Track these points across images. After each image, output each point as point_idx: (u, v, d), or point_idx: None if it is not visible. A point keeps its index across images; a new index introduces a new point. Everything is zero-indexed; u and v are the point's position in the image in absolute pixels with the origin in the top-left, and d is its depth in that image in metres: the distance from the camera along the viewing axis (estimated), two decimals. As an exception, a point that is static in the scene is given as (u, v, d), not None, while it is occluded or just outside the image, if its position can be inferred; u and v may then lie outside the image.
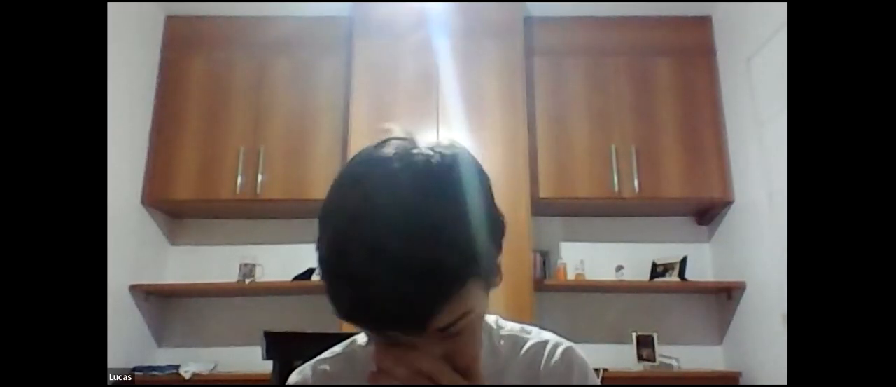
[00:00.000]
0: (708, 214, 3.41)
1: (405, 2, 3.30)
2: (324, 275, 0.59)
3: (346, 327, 0.85)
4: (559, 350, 0.79)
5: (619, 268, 3.25)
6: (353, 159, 0.63)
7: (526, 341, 0.80)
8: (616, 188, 3.18)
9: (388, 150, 0.60)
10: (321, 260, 0.59)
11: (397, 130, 0.63)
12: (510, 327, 0.82)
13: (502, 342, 0.80)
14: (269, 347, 1.05)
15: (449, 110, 3.13)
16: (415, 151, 0.60)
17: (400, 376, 0.59)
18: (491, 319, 0.82)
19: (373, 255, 0.54)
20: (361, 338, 0.82)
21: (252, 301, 3.38)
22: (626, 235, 3.46)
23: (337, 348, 0.83)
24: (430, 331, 0.57)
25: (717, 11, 3.42)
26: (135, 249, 3.10)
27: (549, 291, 3.29)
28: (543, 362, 0.78)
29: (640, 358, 3.11)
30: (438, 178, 0.58)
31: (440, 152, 0.60)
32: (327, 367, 0.81)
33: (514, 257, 2.80)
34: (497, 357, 0.78)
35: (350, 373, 0.79)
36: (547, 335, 0.82)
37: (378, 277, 0.54)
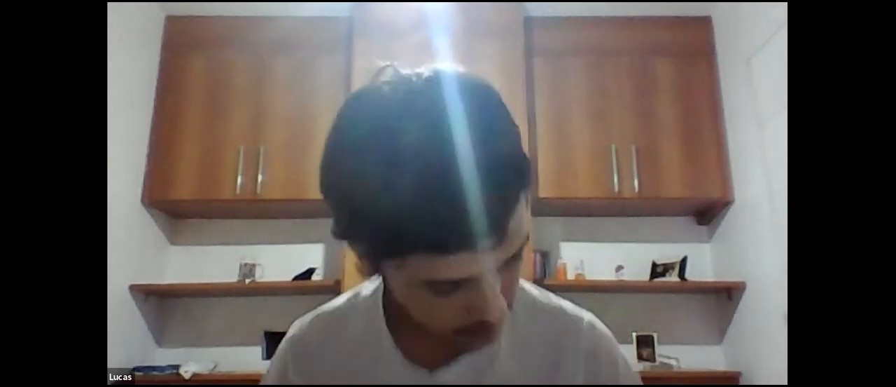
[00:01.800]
0: (708, 214, 3.41)
1: (405, 2, 3.30)
2: (373, 225, 0.52)
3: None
4: (584, 326, 0.76)
5: (619, 268, 3.25)
6: (353, 98, 0.57)
7: (542, 305, 0.78)
8: (616, 188, 3.18)
9: (388, 77, 0.57)
10: (367, 211, 0.51)
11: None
12: (528, 286, 0.79)
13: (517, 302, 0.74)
14: (269, 347, 1.05)
15: (449, 110, 3.13)
16: (418, 71, 0.56)
17: (500, 311, 0.57)
18: None
19: (437, 171, 0.49)
20: (365, 289, 0.79)
21: (252, 301, 3.38)
22: (626, 235, 3.46)
23: (340, 300, 0.81)
24: (496, 258, 0.55)
25: (717, 11, 3.42)
26: (135, 249, 3.10)
27: (549, 291, 3.29)
28: (567, 339, 0.75)
29: (640, 358, 3.11)
30: (478, 87, 0.56)
31: (450, 68, 0.57)
32: (327, 316, 0.79)
33: (514, 257, 2.80)
34: (512, 315, 0.73)
35: (349, 322, 0.77)
36: (565, 304, 0.79)
37: (454, 189, 0.49)
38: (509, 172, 0.52)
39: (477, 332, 0.60)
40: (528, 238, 0.59)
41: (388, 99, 0.54)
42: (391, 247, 0.53)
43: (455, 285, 0.55)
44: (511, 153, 0.53)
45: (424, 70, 0.56)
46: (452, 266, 0.53)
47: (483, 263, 0.54)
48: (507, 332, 0.73)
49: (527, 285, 0.79)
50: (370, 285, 0.79)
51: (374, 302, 0.76)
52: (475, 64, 3.22)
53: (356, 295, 0.79)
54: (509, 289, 0.61)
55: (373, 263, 0.58)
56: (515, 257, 0.58)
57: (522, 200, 0.55)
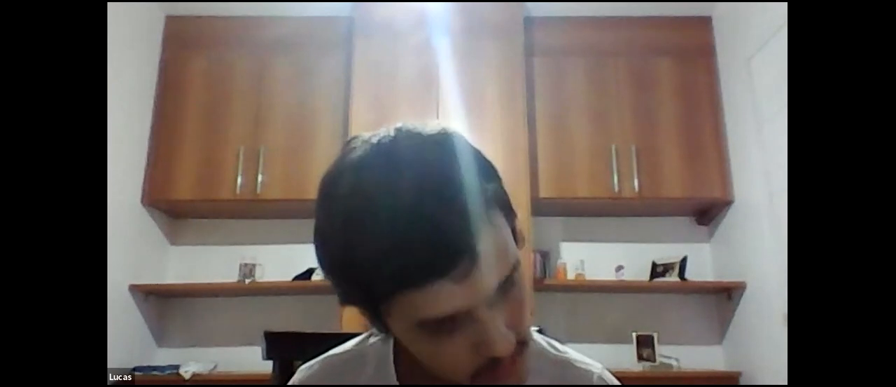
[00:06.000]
0: (708, 214, 3.41)
1: (405, 2, 3.30)
2: (352, 265, 0.54)
3: (347, 328, 0.85)
4: (595, 379, 0.74)
5: (619, 268, 3.25)
6: (324, 176, 0.60)
7: (550, 356, 0.76)
8: (616, 188, 3.18)
9: (355, 144, 0.59)
10: (343, 266, 0.56)
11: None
12: (534, 335, 0.76)
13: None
14: (269, 347, 1.04)
15: (449, 110, 3.13)
16: (390, 134, 0.58)
17: (508, 344, 0.55)
18: None
19: (403, 210, 0.51)
20: (376, 334, 0.77)
21: (252, 301, 3.38)
22: (626, 235, 3.46)
23: (349, 344, 0.79)
24: (488, 284, 0.53)
25: (717, 11, 3.42)
26: (135, 249, 3.10)
27: (549, 291, 3.29)
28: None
29: (640, 358, 3.11)
30: (434, 133, 0.58)
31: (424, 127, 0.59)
32: (335, 363, 0.77)
33: (514, 257, 2.80)
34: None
35: (359, 370, 0.75)
36: (572, 354, 0.77)
37: (418, 222, 0.50)
38: (466, 195, 0.53)
39: (497, 375, 0.58)
40: (518, 265, 0.57)
41: (350, 164, 0.57)
42: (371, 293, 0.55)
43: (453, 324, 0.54)
44: (465, 179, 0.54)
45: (388, 129, 0.58)
46: (435, 300, 0.52)
47: (470, 292, 0.53)
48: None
49: (532, 334, 0.78)
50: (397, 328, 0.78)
51: (385, 347, 0.74)
52: (475, 64, 3.22)
53: (366, 339, 0.77)
54: (515, 321, 0.57)
55: (374, 319, 0.60)
56: (510, 286, 0.56)
57: (495, 223, 0.55)
